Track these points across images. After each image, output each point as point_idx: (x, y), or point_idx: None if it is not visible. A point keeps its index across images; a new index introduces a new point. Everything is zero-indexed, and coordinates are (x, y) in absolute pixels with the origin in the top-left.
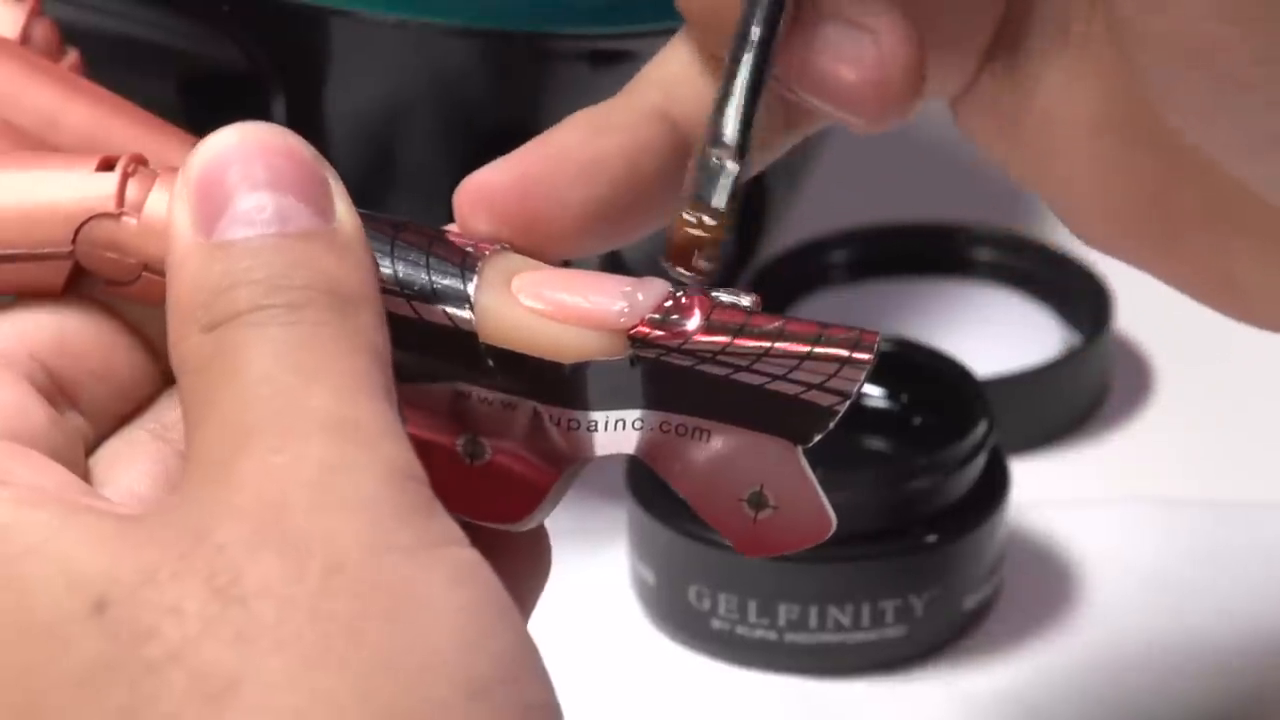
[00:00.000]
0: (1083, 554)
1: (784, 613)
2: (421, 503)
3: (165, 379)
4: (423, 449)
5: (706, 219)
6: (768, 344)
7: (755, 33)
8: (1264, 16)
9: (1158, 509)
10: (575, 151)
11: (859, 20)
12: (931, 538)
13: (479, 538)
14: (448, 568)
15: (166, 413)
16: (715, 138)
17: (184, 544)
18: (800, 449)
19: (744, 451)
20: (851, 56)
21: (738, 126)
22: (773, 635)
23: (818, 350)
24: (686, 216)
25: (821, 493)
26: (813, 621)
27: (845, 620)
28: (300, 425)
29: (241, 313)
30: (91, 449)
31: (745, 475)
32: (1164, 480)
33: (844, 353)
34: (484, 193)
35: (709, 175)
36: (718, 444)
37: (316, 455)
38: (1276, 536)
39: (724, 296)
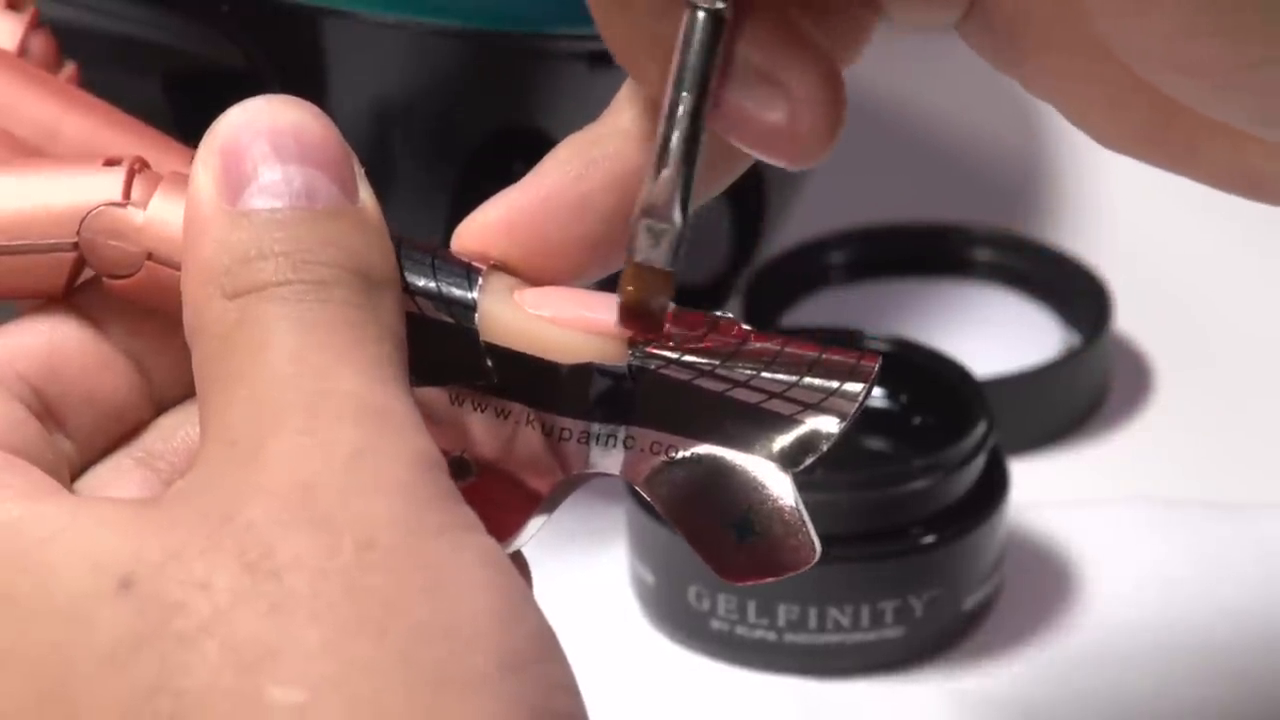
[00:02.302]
0: (1083, 554)
1: (783, 613)
2: (446, 490)
3: (155, 405)
4: None
5: (651, 280)
6: (766, 362)
7: (686, 97)
8: (1248, 26)
9: (1158, 509)
10: (564, 193)
11: (772, 75)
12: (931, 538)
13: None
14: (478, 550)
15: (155, 441)
16: (653, 199)
17: (210, 524)
18: (791, 474)
19: (733, 475)
20: (766, 109)
21: (676, 186)
22: (772, 635)
23: (816, 371)
24: (628, 284)
25: (809, 521)
26: (812, 622)
27: (845, 620)
28: (330, 409)
29: (268, 284)
30: (77, 473)
31: (733, 500)
32: (1164, 480)
33: (841, 376)
34: (479, 236)
35: (650, 237)
36: (707, 467)
37: (347, 440)
38: (1276, 536)
39: (723, 317)
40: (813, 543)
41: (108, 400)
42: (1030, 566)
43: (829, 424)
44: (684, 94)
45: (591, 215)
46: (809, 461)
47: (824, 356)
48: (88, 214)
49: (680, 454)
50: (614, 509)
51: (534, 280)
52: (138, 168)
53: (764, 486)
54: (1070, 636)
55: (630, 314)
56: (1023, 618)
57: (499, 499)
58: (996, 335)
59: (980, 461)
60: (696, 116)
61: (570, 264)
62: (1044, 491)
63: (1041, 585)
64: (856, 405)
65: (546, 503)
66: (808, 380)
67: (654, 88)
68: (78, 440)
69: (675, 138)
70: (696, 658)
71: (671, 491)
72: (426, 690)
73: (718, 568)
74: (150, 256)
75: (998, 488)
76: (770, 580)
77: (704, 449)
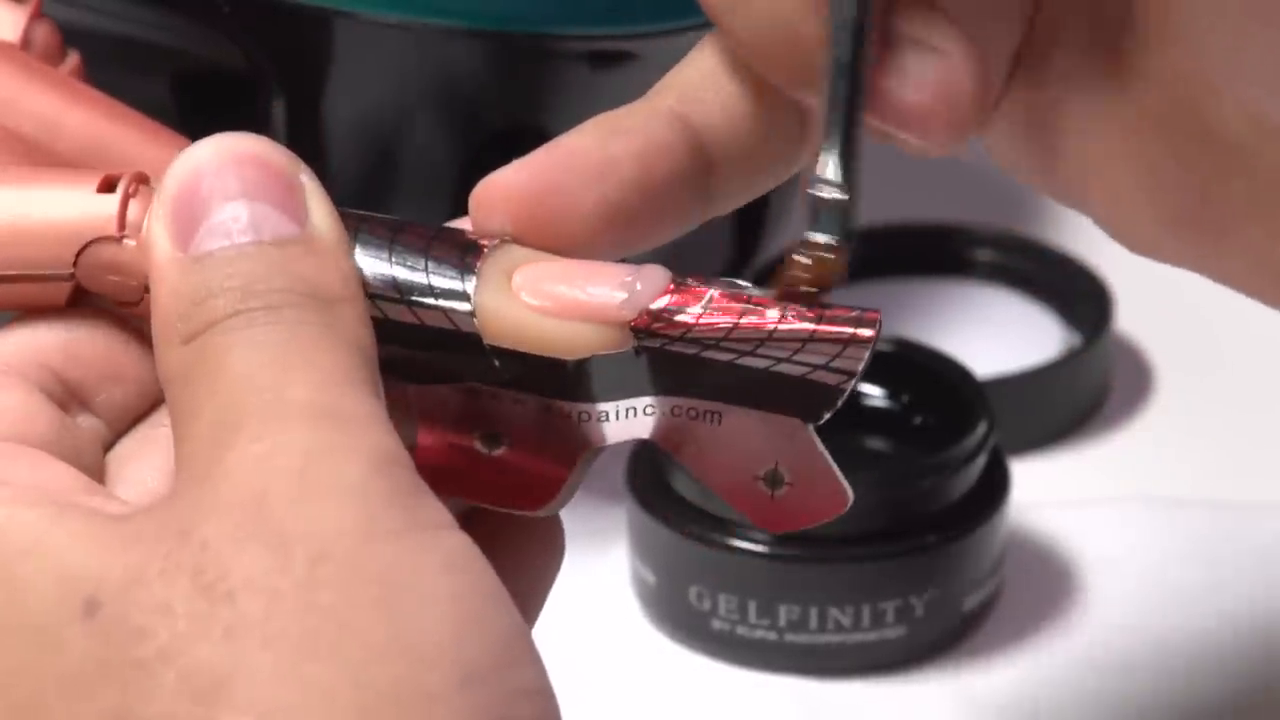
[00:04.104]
0: (1083, 554)
1: (784, 613)
2: (408, 487)
3: None
4: (441, 444)
5: (821, 255)
6: (770, 328)
7: (846, 68)
8: None
9: (1158, 509)
10: (588, 154)
11: (928, 41)
12: (931, 538)
13: (489, 522)
14: (439, 552)
15: None
16: (821, 173)
17: (169, 542)
18: (811, 426)
19: (756, 431)
20: (920, 76)
21: (841, 158)
22: (773, 636)
23: (820, 331)
24: (799, 258)
25: (836, 467)
26: (813, 622)
27: (845, 621)
28: (281, 414)
29: (219, 320)
30: (110, 448)
31: (759, 454)
32: (1164, 480)
33: (847, 331)
34: (498, 195)
35: (821, 211)
36: (729, 425)
37: (298, 443)
38: (1276, 536)
39: (723, 282)
40: (844, 488)
41: (132, 375)
42: (1030, 566)
43: (840, 380)
44: (843, 65)
45: (614, 179)
46: (827, 416)
47: (826, 315)
48: (83, 248)
49: (702, 417)
50: (614, 509)
51: (549, 250)
52: (132, 191)
53: (789, 439)
54: (1070, 636)
55: (804, 291)
56: (1023, 618)
57: (530, 467)
58: (997, 335)
59: (981, 461)
60: (857, 87)
61: (589, 229)
62: (1044, 491)
63: (1041, 585)
64: (864, 359)
65: (577, 470)
66: (814, 341)
67: (786, 77)
68: (106, 417)
69: (839, 109)
70: (697, 658)
71: (699, 451)
72: (379, 712)
73: (756, 519)
74: (149, 289)
75: (998, 488)
76: (809, 526)
77: (724, 409)
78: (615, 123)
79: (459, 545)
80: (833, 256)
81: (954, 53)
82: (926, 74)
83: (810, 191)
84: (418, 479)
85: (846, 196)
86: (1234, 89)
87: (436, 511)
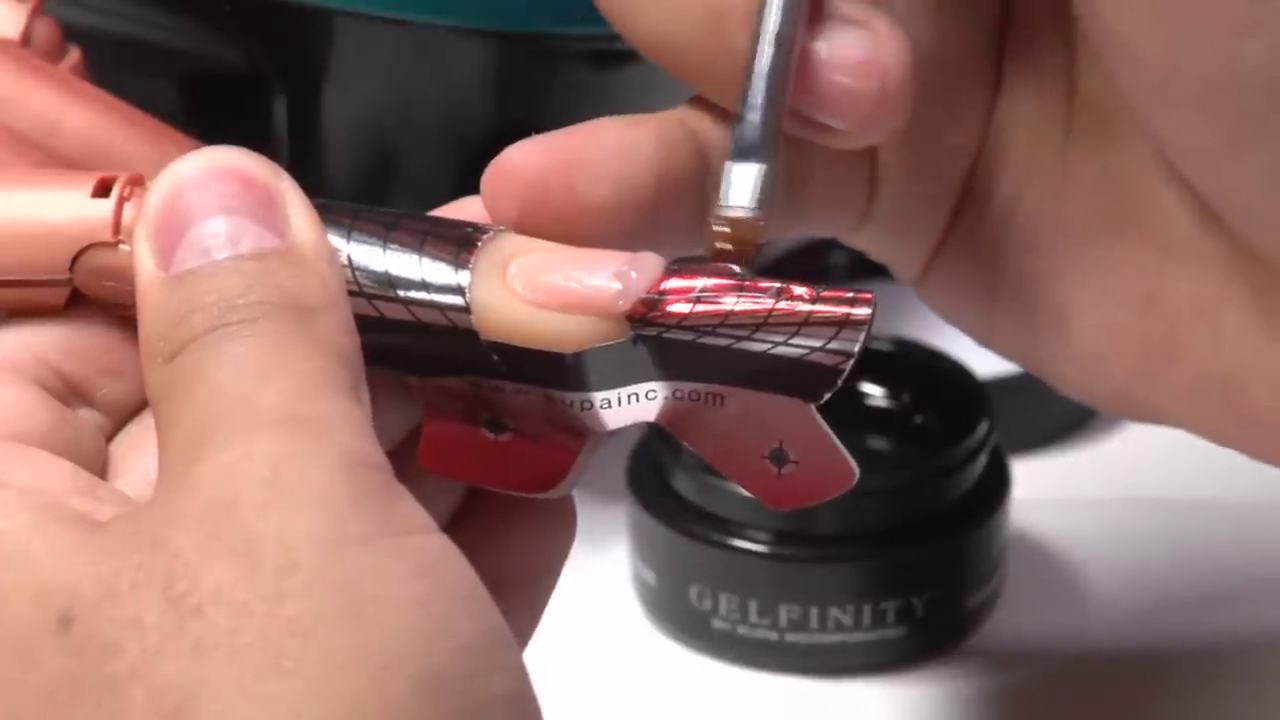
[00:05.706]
0: (1083, 554)
1: (784, 613)
2: (379, 490)
3: None
4: (448, 431)
5: (740, 222)
6: (765, 312)
7: (774, 30)
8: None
9: (1157, 509)
10: (610, 133)
11: (855, 17)
12: (931, 538)
13: (500, 499)
14: (408, 558)
15: None
16: (741, 141)
17: (142, 553)
18: (813, 406)
19: (758, 412)
20: (848, 51)
21: (762, 126)
22: (773, 635)
23: (816, 314)
24: (717, 228)
25: (840, 445)
26: (813, 622)
27: (846, 620)
28: (251, 422)
29: (198, 336)
30: (113, 436)
31: (763, 434)
32: (1163, 481)
33: (841, 313)
34: (517, 168)
35: (738, 180)
36: (732, 407)
37: (266, 450)
38: (1275, 536)
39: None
40: (850, 465)
41: (134, 374)
42: (1030, 566)
43: (838, 360)
44: (769, 35)
45: (637, 157)
46: (828, 396)
47: (820, 297)
48: (79, 254)
49: (705, 399)
50: (614, 509)
51: (562, 230)
52: (127, 195)
53: (791, 419)
54: (1070, 636)
55: (721, 259)
56: (1023, 618)
57: (537, 452)
58: None
59: (981, 461)
60: (783, 57)
61: (607, 205)
62: (1044, 491)
63: (1041, 585)
64: (860, 340)
65: (584, 453)
66: (809, 324)
67: (714, 94)
68: (108, 410)
69: (761, 79)
70: (698, 657)
71: (704, 432)
72: None
73: (764, 498)
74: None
75: (999, 487)
76: (818, 502)
77: (726, 392)
78: (628, 118)
79: (432, 549)
80: (754, 223)
81: (880, 28)
82: (853, 45)
83: (730, 162)
84: (392, 482)
85: (767, 167)
86: (1185, 179)
87: (409, 516)
